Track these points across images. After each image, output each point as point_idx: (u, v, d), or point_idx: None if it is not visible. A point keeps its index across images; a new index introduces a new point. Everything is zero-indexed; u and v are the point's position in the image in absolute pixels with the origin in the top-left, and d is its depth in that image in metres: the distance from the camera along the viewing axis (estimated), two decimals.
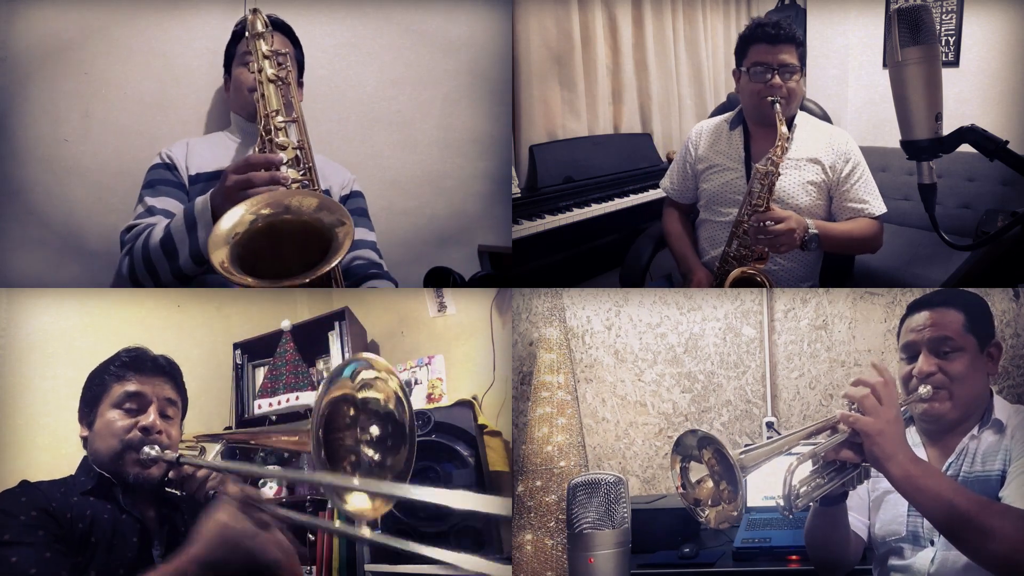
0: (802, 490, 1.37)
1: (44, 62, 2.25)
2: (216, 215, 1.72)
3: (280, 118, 1.90)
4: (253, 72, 1.94)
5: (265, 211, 1.62)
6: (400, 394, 1.24)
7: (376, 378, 1.23)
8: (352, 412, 1.23)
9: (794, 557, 1.93)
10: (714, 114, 2.36)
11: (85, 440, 1.50)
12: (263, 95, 1.92)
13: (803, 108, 2.20)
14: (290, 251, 1.62)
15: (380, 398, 1.23)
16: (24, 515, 1.29)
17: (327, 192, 2.09)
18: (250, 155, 1.82)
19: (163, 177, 2.02)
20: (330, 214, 1.64)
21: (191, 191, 2.01)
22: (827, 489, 1.39)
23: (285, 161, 1.83)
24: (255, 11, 1.95)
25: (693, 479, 1.36)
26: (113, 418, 1.45)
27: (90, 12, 2.26)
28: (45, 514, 1.31)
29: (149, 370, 1.50)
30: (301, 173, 1.87)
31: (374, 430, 1.23)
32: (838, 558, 1.59)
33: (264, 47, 1.94)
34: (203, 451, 1.63)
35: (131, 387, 1.47)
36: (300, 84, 2.16)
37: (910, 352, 1.55)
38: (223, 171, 1.77)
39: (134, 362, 1.50)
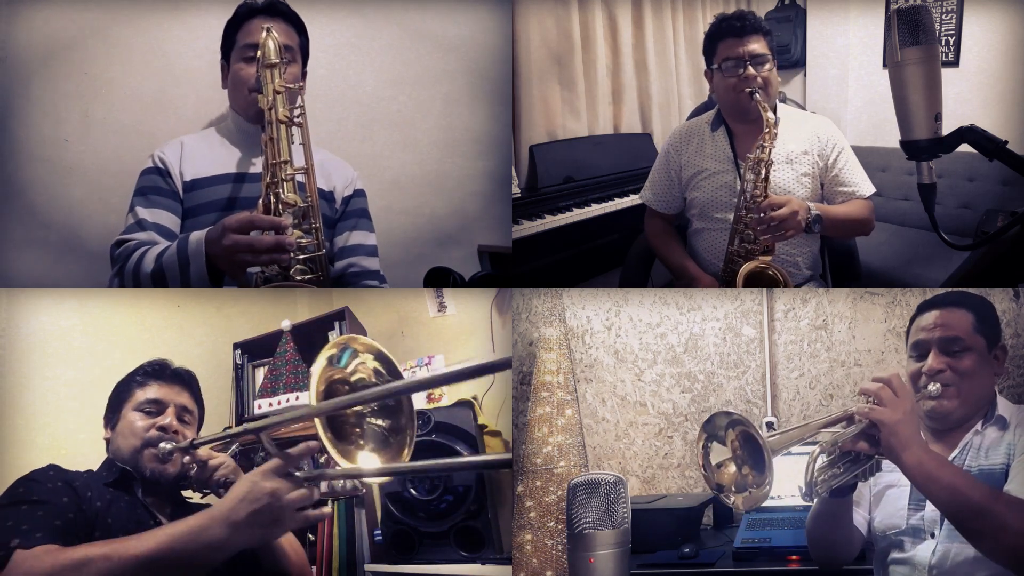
0: (820, 478, 1.40)
1: (44, 62, 2.25)
2: (211, 264, 1.68)
3: (290, 169, 1.76)
4: (263, 98, 1.80)
5: None
6: (380, 367, 1.30)
7: (358, 360, 1.31)
8: (347, 389, 1.29)
9: (794, 557, 1.92)
10: (694, 114, 2.32)
11: (108, 442, 1.63)
12: (272, 138, 1.77)
13: (780, 102, 2.17)
14: None
15: (365, 377, 1.30)
16: (51, 483, 1.43)
17: (331, 193, 2.06)
18: (254, 215, 1.70)
19: (155, 185, 1.94)
20: None
21: (185, 199, 1.95)
22: (842, 479, 1.42)
23: (291, 222, 1.72)
24: (268, 30, 1.82)
25: (714, 461, 1.38)
26: (134, 419, 1.59)
27: (90, 12, 2.26)
28: (69, 487, 1.44)
29: (169, 379, 1.65)
30: (307, 234, 1.77)
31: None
32: (839, 551, 1.61)
33: (277, 81, 1.79)
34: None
35: (151, 393, 1.62)
36: (303, 74, 2.05)
37: (920, 350, 1.57)
38: (222, 222, 1.66)
39: (155, 372, 1.65)
